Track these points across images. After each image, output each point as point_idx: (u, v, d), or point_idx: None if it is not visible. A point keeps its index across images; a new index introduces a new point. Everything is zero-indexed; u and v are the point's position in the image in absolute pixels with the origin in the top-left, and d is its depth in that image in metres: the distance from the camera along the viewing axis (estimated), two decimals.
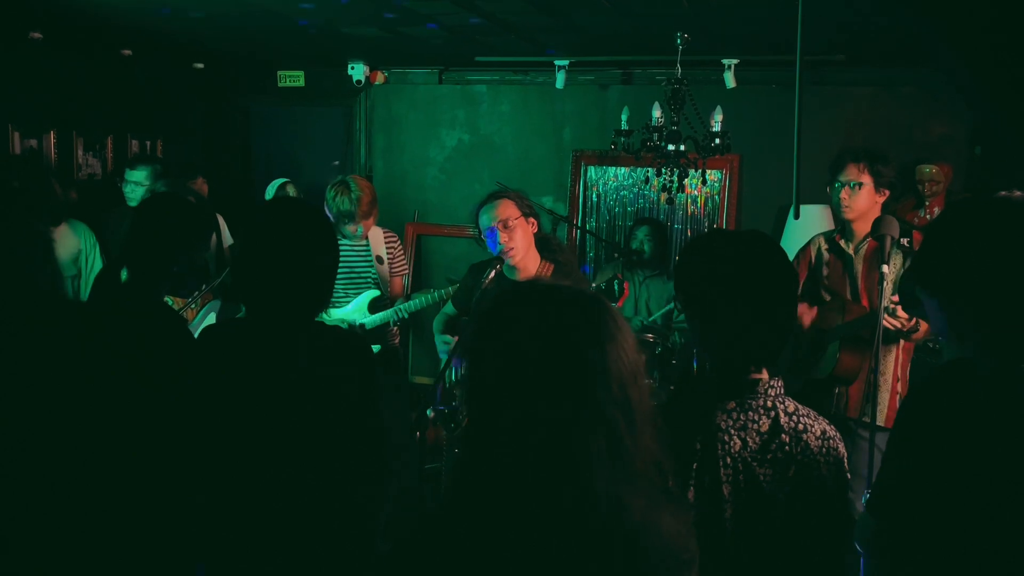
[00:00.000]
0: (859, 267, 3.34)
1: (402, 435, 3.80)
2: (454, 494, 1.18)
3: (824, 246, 3.48)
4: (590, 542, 1.09)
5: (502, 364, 1.15)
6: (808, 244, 3.57)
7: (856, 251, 3.34)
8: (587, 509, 1.09)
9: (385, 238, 4.14)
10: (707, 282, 1.61)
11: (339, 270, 3.90)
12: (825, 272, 3.43)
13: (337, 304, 4.00)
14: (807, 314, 3.31)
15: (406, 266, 4.30)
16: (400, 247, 4.24)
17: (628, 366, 1.14)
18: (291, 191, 5.75)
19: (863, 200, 3.25)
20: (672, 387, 4.48)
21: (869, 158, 3.25)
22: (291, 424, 1.94)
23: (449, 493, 1.20)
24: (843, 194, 3.27)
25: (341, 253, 3.95)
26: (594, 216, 6.02)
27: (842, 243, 3.36)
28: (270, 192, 5.81)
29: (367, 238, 4.07)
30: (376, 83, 6.30)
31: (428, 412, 3.39)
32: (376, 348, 4.07)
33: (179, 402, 2.00)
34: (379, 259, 4.07)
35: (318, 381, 1.97)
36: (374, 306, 4.02)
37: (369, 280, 4.07)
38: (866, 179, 3.23)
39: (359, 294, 4.03)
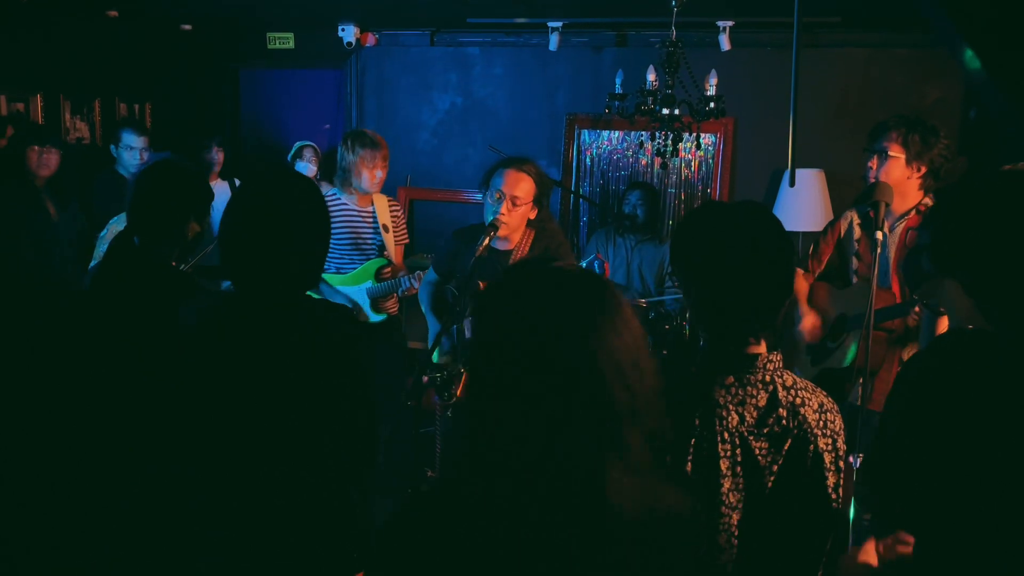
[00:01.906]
0: (894, 246, 3.07)
1: (394, 405, 3.82)
2: (450, 477, 1.19)
3: (857, 221, 3.25)
4: (590, 529, 1.10)
5: (499, 352, 1.15)
6: (839, 218, 3.36)
7: (892, 230, 3.07)
8: (588, 495, 1.09)
9: (390, 206, 4.14)
10: (702, 254, 1.61)
11: (346, 237, 3.98)
12: (857, 248, 3.21)
13: (343, 271, 4.01)
14: (815, 332, 3.19)
15: (407, 235, 4.29)
16: (403, 216, 4.25)
17: (628, 349, 1.14)
18: (309, 154, 5.73)
19: (891, 172, 2.99)
20: (664, 352, 4.51)
21: (907, 125, 3.00)
22: (277, 406, 1.91)
23: (445, 475, 1.22)
24: (871, 161, 3.05)
25: (349, 220, 4.01)
26: (587, 180, 5.99)
27: (882, 231, 2.99)
28: (290, 155, 5.80)
29: (372, 204, 4.07)
30: (367, 45, 6.22)
31: (423, 379, 3.40)
32: (380, 318, 4.08)
33: (175, 377, 1.99)
34: (384, 227, 4.07)
35: (307, 360, 1.93)
36: (380, 275, 4.02)
37: (375, 247, 4.06)
38: (896, 150, 2.99)
39: (362, 260, 4.03)
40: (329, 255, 4.00)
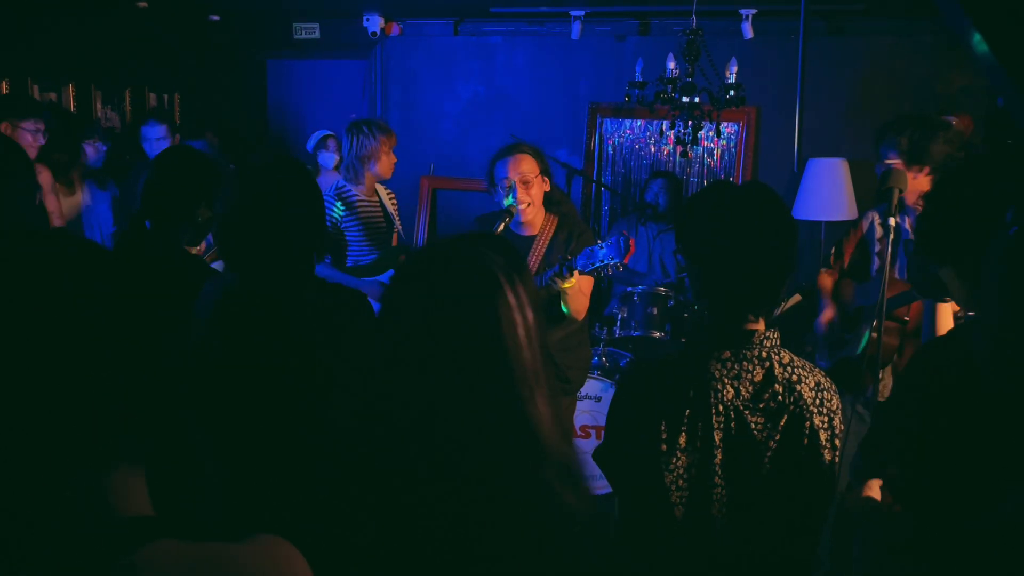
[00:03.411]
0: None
1: None
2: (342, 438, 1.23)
3: (879, 220, 3.22)
4: (488, 509, 1.12)
5: (394, 336, 1.18)
6: (861, 218, 3.38)
7: (912, 227, 3.04)
8: (484, 475, 1.12)
9: (388, 195, 4.19)
10: (704, 231, 1.65)
11: (362, 229, 4.01)
12: (878, 248, 3.20)
13: (360, 263, 4.06)
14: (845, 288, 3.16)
15: (401, 222, 4.32)
16: (396, 204, 4.30)
17: (521, 328, 1.16)
18: (333, 144, 5.80)
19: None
20: (683, 340, 4.52)
21: (896, 130, 3.00)
22: (288, 387, 1.94)
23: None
24: (878, 169, 3.02)
25: (365, 210, 4.05)
26: (610, 169, 6.00)
27: (896, 218, 2.93)
28: (311, 144, 5.86)
29: (377, 193, 4.10)
30: (391, 35, 6.27)
31: None
32: None
33: (191, 360, 2.03)
34: (391, 215, 4.11)
35: (303, 339, 1.96)
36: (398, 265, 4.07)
37: (385, 236, 4.11)
38: (893, 157, 2.98)
39: (377, 250, 4.07)
40: (347, 248, 4.09)
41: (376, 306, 4.17)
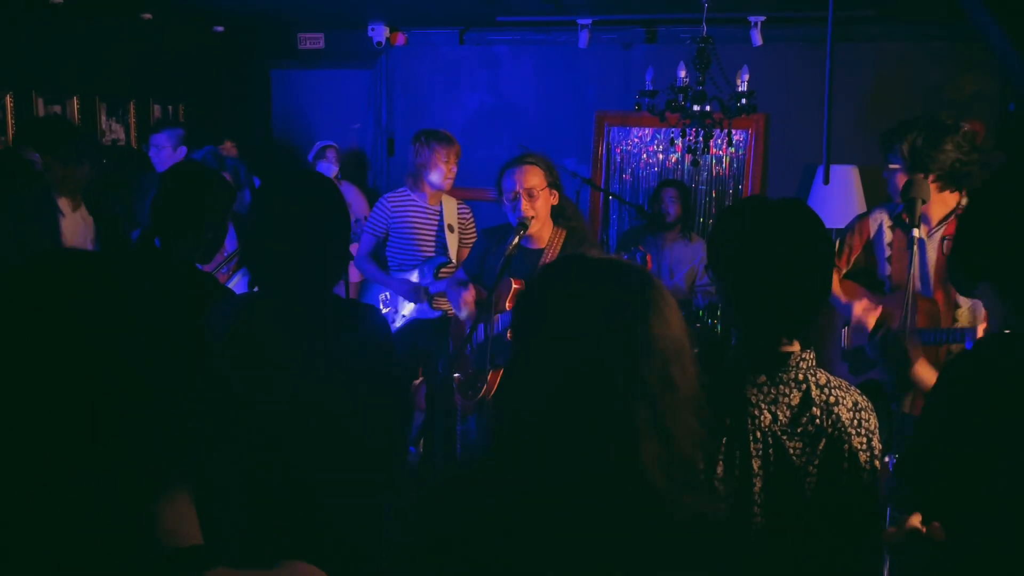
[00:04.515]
0: (932, 254, 2.88)
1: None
2: (488, 460, 1.19)
3: (888, 223, 3.06)
4: (623, 517, 1.09)
5: (545, 340, 1.14)
6: (866, 217, 3.17)
7: (930, 236, 2.89)
8: (623, 485, 1.08)
9: (459, 209, 4.21)
10: (739, 250, 1.59)
11: (410, 234, 4.03)
12: (888, 254, 3.03)
13: (404, 267, 4.09)
14: (871, 312, 2.87)
15: (475, 238, 4.29)
16: (472, 220, 4.29)
17: (672, 342, 1.13)
18: (332, 154, 5.77)
19: (899, 182, 2.83)
20: (696, 350, 4.47)
21: (899, 135, 2.87)
22: (304, 404, 1.92)
23: (484, 457, 1.21)
24: (885, 175, 2.95)
25: (416, 217, 4.06)
26: (617, 177, 5.97)
27: (919, 230, 2.71)
28: (311, 154, 5.83)
29: (441, 203, 4.11)
30: (396, 45, 6.24)
31: (453, 376, 3.41)
32: (437, 314, 4.14)
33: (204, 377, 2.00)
34: (450, 227, 4.12)
35: (322, 357, 1.93)
36: (439, 273, 4.08)
37: (435, 245, 4.11)
38: (895, 161, 2.88)
39: (422, 257, 4.07)
40: (391, 250, 4.12)
41: (407, 308, 4.11)
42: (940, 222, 2.90)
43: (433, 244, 4.11)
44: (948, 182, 2.85)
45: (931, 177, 2.81)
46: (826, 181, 2.72)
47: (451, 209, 4.17)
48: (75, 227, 4.35)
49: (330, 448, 1.95)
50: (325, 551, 1.97)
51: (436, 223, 4.12)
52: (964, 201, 2.90)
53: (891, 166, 2.93)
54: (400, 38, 6.23)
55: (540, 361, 1.14)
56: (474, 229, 4.27)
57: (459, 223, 4.18)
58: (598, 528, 1.07)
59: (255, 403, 1.93)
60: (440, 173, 4.05)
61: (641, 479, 1.08)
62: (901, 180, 2.86)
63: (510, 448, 1.16)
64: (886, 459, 2.13)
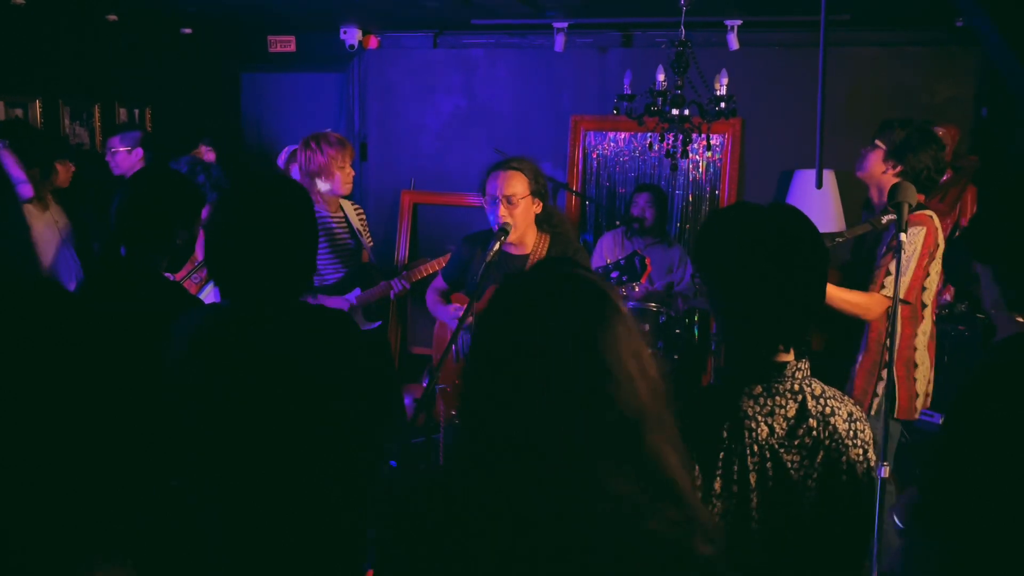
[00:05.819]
0: (880, 247, 3.00)
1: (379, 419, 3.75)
2: (450, 470, 1.17)
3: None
4: (589, 531, 1.05)
5: (500, 359, 1.11)
6: (880, 217, 3.13)
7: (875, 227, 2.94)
8: (587, 497, 1.05)
9: (356, 211, 4.02)
10: (731, 257, 1.52)
11: (326, 246, 3.86)
12: (883, 251, 3.03)
13: (327, 281, 3.88)
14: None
15: (371, 238, 4.18)
16: (365, 218, 4.13)
17: (631, 354, 1.10)
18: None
19: (868, 160, 3.02)
20: (676, 356, 4.43)
21: (900, 123, 3.02)
22: (265, 413, 1.85)
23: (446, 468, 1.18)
24: (863, 150, 3.09)
25: (327, 227, 3.90)
26: (594, 182, 5.92)
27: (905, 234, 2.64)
28: (282, 159, 5.72)
29: (342, 208, 3.96)
30: (369, 48, 6.15)
31: (435, 387, 3.33)
32: (374, 325, 4.00)
33: (165, 385, 1.92)
34: (358, 232, 3.97)
35: (295, 367, 1.87)
36: (365, 283, 3.93)
37: (352, 253, 3.96)
38: (880, 141, 3.01)
39: (344, 268, 3.91)
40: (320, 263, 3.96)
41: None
42: (881, 212, 2.91)
43: (350, 253, 3.90)
44: (911, 181, 2.89)
45: (899, 169, 2.96)
46: (818, 185, 2.69)
47: (351, 212, 3.94)
48: (46, 231, 4.23)
49: (303, 456, 1.88)
50: (303, 558, 1.91)
51: (346, 230, 3.90)
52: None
53: (876, 142, 3.03)
54: (373, 41, 6.14)
55: (497, 376, 1.12)
56: (367, 227, 4.10)
57: (361, 225, 3.97)
58: (563, 542, 1.04)
59: (222, 414, 1.85)
60: (339, 180, 3.76)
61: (604, 492, 1.06)
62: (874, 159, 3.02)
63: (473, 462, 1.13)
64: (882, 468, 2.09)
